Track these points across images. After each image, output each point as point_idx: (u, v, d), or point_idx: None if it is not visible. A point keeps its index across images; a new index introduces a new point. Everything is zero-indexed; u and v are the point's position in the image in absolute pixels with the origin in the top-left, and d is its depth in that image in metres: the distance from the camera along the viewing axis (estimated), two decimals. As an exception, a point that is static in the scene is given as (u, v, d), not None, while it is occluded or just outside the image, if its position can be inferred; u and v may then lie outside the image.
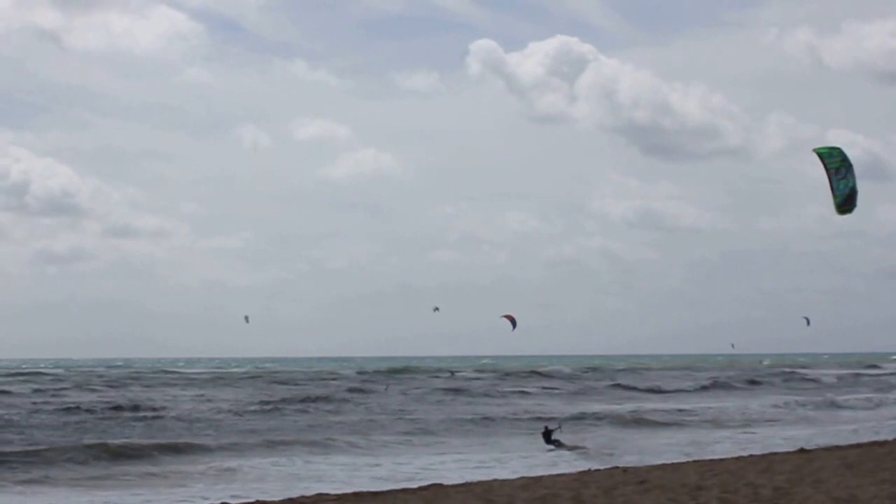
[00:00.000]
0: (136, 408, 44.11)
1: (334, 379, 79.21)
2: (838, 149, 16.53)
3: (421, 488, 19.00)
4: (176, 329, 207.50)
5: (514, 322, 46.57)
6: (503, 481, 19.67)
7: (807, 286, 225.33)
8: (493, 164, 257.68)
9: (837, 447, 25.06)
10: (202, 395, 55.19)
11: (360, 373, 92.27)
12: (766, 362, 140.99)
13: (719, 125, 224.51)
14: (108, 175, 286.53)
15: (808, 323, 72.70)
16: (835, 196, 16.61)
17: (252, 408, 44.55)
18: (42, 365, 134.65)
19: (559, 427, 29.19)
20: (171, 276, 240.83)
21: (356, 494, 18.57)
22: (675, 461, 23.40)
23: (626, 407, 46.75)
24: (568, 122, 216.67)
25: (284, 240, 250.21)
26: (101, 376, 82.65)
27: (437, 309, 49.79)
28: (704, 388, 67.14)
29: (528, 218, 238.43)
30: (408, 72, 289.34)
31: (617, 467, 21.93)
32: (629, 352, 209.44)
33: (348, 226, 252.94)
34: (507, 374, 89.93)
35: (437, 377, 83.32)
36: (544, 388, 66.66)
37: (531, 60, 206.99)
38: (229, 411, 42.77)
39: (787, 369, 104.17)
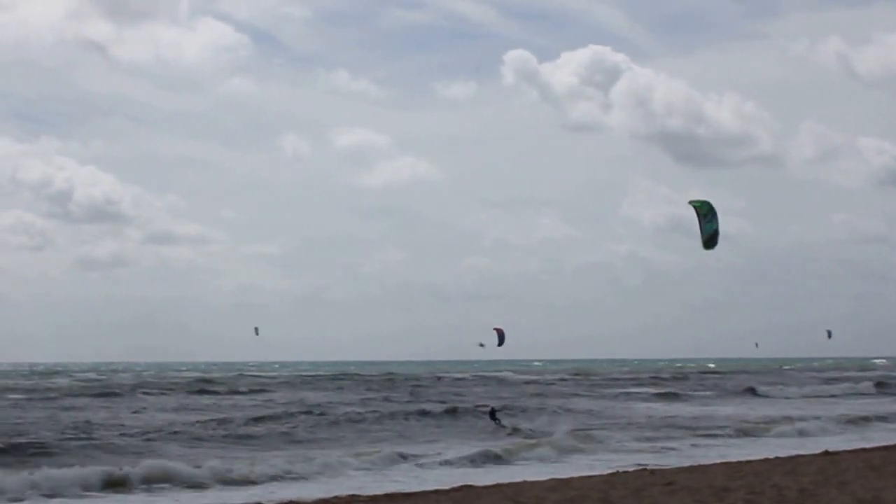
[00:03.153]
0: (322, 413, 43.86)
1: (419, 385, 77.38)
2: (707, 202, 21.56)
3: (452, 489, 19.38)
4: (214, 334, 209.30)
5: (502, 337, 45.87)
6: (533, 483, 20.04)
7: (834, 292, 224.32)
8: (527, 171, 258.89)
9: (862, 449, 25.25)
10: (334, 396, 56.44)
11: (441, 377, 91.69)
12: (786, 367, 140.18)
13: (752, 133, 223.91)
14: (149, 183, 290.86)
15: (830, 336, 72.49)
16: (702, 234, 21.12)
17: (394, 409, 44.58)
18: (96, 368, 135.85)
19: (501, 409, 39.84)
20: (209, 282, 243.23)
21: (388, 496, 19.02)
22: (701, 463, 23.70)
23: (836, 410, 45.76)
24: (601, 130, 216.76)
25: (321, 246, 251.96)
26: (209, 381, 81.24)
27: (482, 345, 49.92)
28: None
29: (560, 224, 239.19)
30: (446, 81, 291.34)
31: (644, 469, 22.27)
32: (659, 356, 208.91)
33: (383, 232, 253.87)
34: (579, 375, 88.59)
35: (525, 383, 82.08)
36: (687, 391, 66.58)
37: (564, 70, 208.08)
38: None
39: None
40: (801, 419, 38.74)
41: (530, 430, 35.11)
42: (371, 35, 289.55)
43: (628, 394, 64.66)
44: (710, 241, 21.11)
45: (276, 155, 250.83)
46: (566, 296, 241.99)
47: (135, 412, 43.84)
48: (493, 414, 37.75)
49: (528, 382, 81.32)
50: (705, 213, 21.14)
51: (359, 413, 41.29)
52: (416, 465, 25.62)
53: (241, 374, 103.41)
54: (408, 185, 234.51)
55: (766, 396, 62.11)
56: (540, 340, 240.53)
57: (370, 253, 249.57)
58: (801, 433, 34.31)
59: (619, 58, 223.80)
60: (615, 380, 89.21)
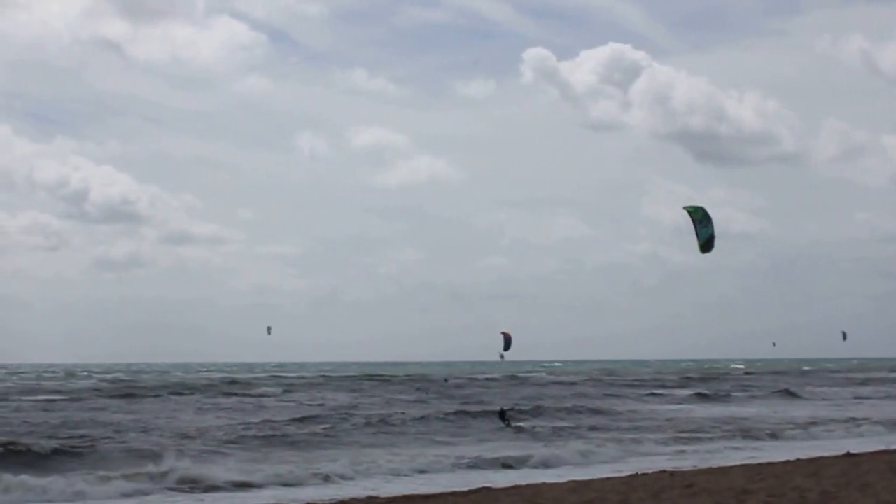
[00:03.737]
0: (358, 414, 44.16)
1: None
2: (702, 208, 21.95)
3: (470, 491, 19.31)
4: (230, 334, 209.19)
5: (508, 342, 45.22)
6: (552, 485, 19.90)
7: (854, 291, 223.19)
8: (545, 170, 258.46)
9: (885, 451, 24.97)
10: (363, 398, 56.58)
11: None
12: (805, 368, 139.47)
13: (774, 131, 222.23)
14: (165, 182, 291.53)
15: (845, 338, 71.79)
16: (699, 239, 21.60)
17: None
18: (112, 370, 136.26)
19: (511, 409, 40.88)
20: (225, 282, 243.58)
21: (406, 497, 18.95)
22: (722, 465, 23.52)
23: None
24: (621, 128, 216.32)
25: (337, 246, 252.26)
26: (237, 382, 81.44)
27: (503, 356, 49.74)
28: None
29: (579, 224, 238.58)
30: (464, 80, 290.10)
31: (664, 471, 22.09)
32: (677, 356, 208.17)
33: (400, 232, 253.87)
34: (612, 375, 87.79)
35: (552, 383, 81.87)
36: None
37: (584, 68, 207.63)
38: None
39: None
40: (857, 420, 38.51)
41: (536, 428, 36.12)
42: (388, 33, 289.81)
43: (672, 395, 63.73)
44: (706, 245, 21.58)
45: (293, 154, 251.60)
46: (584, 296, 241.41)
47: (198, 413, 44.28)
48: (502, 414, 38.63)
49: (556, 383, 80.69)
50: (700, 218, 21.61)
51: (396, 413, 41.39)
52: (462, 465, 25.56)
53: (275, 376, 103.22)
54: (425, 184, 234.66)
55: (805, 398, 60.97)
56: (557, 340, 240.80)
57: (387, 253, 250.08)
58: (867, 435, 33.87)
59: (639, 55, 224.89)
60: (645, 381, 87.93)
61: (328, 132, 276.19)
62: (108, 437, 31.28)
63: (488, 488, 19.65)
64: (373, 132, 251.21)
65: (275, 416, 40.84)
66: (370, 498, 18.99)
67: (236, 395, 60.56)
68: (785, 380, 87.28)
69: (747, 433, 34.36)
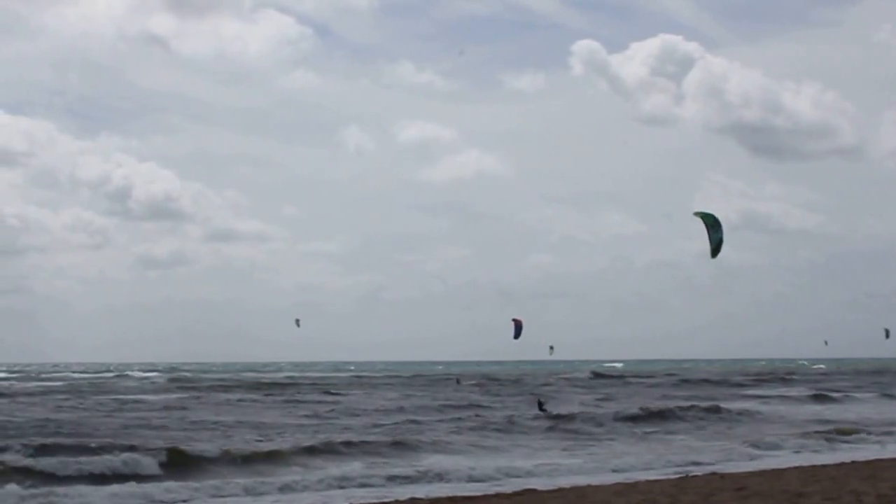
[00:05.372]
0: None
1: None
2: (713, 214, 22.62)
3: (514, 493, 18.89)
4: (273, 332, 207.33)
5: (519, 328, 43.80)
6: (597, 487, 19.38)
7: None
8: (596, 165, 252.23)
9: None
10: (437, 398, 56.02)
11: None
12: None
13: (833, 124, 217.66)
14: (209, 179, 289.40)
15: (888, 335, 69.69)
16: (710, 243, 22.19)
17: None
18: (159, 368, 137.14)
19: (546, 401, 43.78)
20: (269, 280, 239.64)
21: (450, 499, 18.60)
22: (775, 467, 22.87)
23: None
24: (674, 122, 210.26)
25: (382, 243, 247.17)
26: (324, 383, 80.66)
27: (552, 348, 48.81)
28: None
29: (629, 220, 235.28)
30: (514, 73, 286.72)
31: (715, 473, 21.45)
32: (731, 356, 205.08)
33: (447, 229, 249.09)
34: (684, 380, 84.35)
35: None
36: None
37: (634, 60, 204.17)
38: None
39: None
40: None
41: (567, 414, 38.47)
42: (434, 26, 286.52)
43: (781, 397, 60.62)
44: (716, 250, 22.10)
45: (338, 150, 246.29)
46: (635, 294, 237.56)
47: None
48: (540, 405, 42.07)
49: (639, 384, 78.21)
50: (711, 223, 22.14)
51: (522, 414, 40.35)
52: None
53: (357, 376, 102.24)
54: (473, 179, 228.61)
55: None
56: (606, 339, 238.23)
57: (433, 250, 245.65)
58: None
59: (691, 47, 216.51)
60: (730, 381, 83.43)
61: (374, 127, 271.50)
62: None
63: (532, 490, 19.23)
64: (419, 127, 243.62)
65: (415, 416, 40.37)
66: (412, 500, 18.65)
67: (332, 394, 60.32)
68: (871, 379, 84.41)
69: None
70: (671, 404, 46.07)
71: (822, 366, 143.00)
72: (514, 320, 43.58)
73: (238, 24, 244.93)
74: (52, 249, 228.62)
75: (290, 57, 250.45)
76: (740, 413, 43.20)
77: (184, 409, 44.86)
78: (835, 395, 60.68)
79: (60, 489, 20.14)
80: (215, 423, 36.25)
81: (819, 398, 57.44)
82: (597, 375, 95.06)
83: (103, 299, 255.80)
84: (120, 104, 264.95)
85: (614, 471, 23.71)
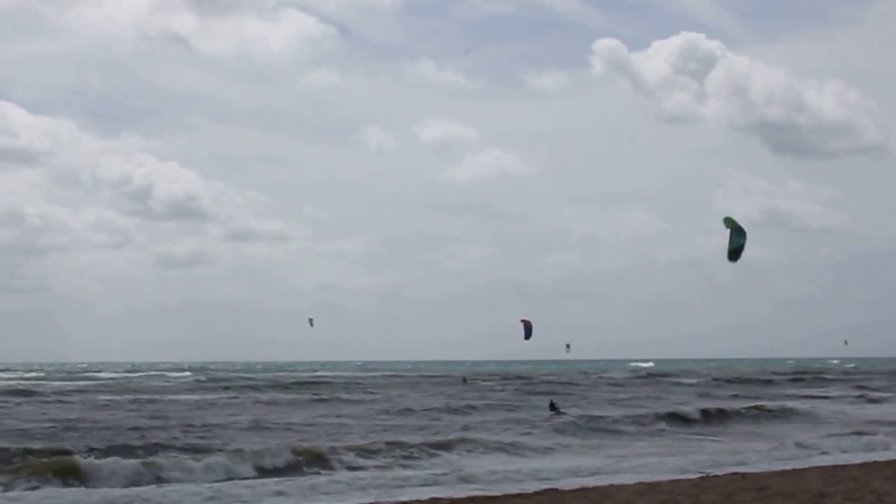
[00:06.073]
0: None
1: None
2: (740, 226, 22.49)
3: (536, 493, 18.90)
4: (293, 332, 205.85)
5: (529, 330, 43.31)
6: (620, 487, 19.36)
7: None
8: (617, 164, 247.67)
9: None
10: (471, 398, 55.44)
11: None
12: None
13: (856, 122, 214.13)
14: (230, 179, 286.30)
15: None
16: (730, 245, 22.08)
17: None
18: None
19: (557, 401, 43.28)
20: (289, 280, 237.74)
21: (471, 499, 18.67)
22: (797, 467, 22.72)
23: None
24: (696, 121, 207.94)
25: (402, 242, 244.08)
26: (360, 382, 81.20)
27: (568, 346, 48.34)
28: None
29: (651, 218, 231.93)
30: (535, 72, 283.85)
31: (736, 473, 21.32)
32: (755, 355, 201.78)
33: (468, 228, 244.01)
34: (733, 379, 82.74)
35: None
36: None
37: (656, 59, 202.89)
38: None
39: None
40: None
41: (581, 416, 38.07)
42: (456, 25, 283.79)
43: (824, 397, 59.45)
44: (734, 253, 22.11)
45: (359, 149, 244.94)
46: (657, 293, 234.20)
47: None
48: (552, 405, 41.89)
49: (678, 384, 76.32)
50: (736, 228, 22.23)
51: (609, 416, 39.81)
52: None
53: (395, 375, 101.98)
54: (494, 179, 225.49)
55: None
56: (629, 338, 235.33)
57: (454, 249, 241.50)
58: None
59: (714, 45, 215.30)
60: (765, 380, 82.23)
61: (395, 126, 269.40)
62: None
63: (554, 490, 19.19)
64: (441, 126, 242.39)
65: (484, 417, 40.07)
66: (433, 499, 18.74)
67: (371, 393, 60.31)
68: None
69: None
70: (721, 404, 44.91)
71: (852, 365, 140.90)
72: (522, 321, 43.47)
73: (260, 23, 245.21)
74: (73, 249, 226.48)
75: (311, 56, 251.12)
76: (796, 412, 41.90)
77: (231, 407, 45.29)
78: (880, 394, 59.66)
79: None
80: (285, 423, 35.53)
81: (863, 399, 56.23)
82: (635, 374, 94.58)
83: (124, 299, 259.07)
84: (141, 104, 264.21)
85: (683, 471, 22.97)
